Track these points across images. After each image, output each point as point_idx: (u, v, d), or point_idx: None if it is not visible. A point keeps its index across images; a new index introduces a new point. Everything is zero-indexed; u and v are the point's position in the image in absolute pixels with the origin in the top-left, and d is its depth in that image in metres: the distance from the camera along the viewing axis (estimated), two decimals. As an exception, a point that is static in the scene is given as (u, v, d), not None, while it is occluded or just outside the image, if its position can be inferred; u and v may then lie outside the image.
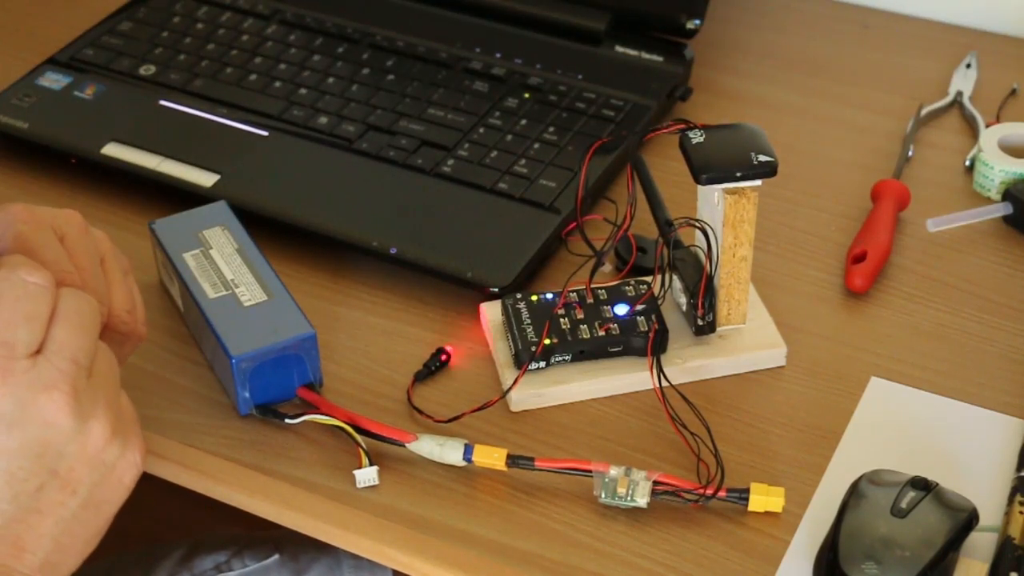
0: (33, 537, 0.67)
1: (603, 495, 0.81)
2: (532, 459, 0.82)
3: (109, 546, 0.75)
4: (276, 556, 1.03)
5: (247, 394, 0.85)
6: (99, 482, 0.69)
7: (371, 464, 0.83)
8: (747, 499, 0.81)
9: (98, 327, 0.71)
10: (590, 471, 0.81)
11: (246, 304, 0.87)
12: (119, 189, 1.03)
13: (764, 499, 0.81)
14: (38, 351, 0.68)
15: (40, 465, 0.67)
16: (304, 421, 0.85)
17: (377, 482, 0.83)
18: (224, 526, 1.08)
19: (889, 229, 0.98)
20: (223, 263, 0.90)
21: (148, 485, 0.91)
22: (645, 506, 0.80)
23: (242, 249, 0.91)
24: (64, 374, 0.68)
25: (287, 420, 0.85)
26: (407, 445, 0.83)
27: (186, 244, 0.91)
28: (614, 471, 0.81)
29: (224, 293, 0.87)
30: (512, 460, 0.82)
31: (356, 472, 0.83)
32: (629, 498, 0.80)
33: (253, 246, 0.91)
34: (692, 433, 0.84)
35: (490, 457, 0.82)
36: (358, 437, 0.83)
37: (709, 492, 0.80)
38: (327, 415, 0.84)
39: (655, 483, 0.80)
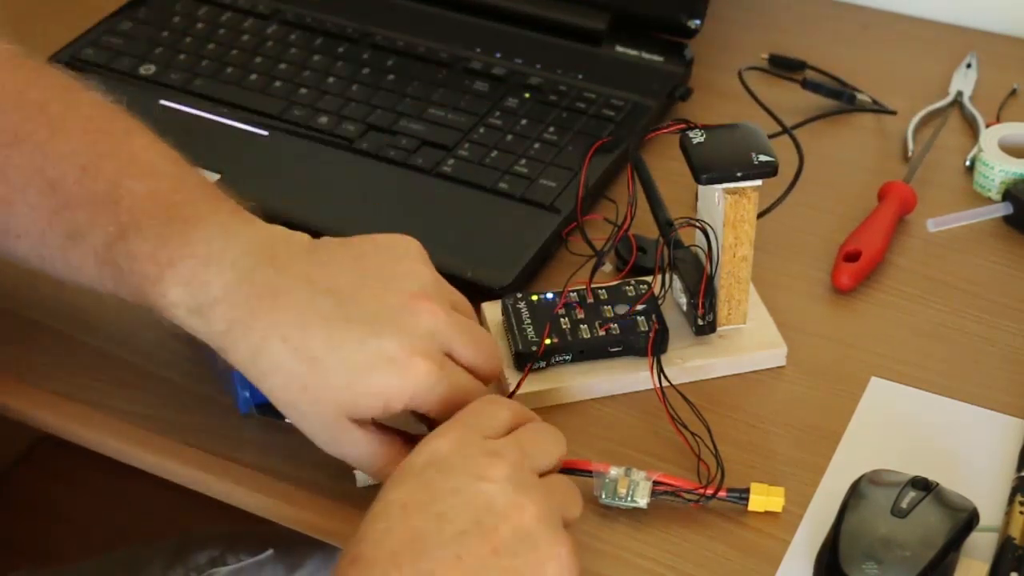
0: None
1: (603, 495, 0.81)
2: None
3: (103, 543, 0.75)
4: (270, 551, 1.03)
5: (247, 393, 0.85)
6: (520, 553, 0.68)
7: None
8: (747, 499, 0.81)
9: (557, 454, 0.75)
10: (590, 471, 0.81)
11: None
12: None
13: (764, 499, 0.81)
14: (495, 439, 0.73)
15: (467, 510, 0.69)
16: None
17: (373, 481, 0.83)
18: (214, 521, 1.08)
19: (886, 229, 0.98)
20: None
21: (138, 482, 0.91)
22: (645, 506, 0.80)
23: None
24: (509, 453, 0.71)
25: (287, 420, 0.85)
26: None
27: None
28: (614, 471, 0.81)
29: None
30: None
31: (356, 472, 0.83)
32: (629, 498, 0.80)
33: None
34: (692, 433, 0.84)
35: None
36: None
37: (709, 492, 0.80)
38: None
39: (655, 483, 0.80)
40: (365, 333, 0.75)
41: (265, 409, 0.85)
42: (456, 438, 0.71)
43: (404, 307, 0.76)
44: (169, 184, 0.81)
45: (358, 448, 0.77)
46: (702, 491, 0.80)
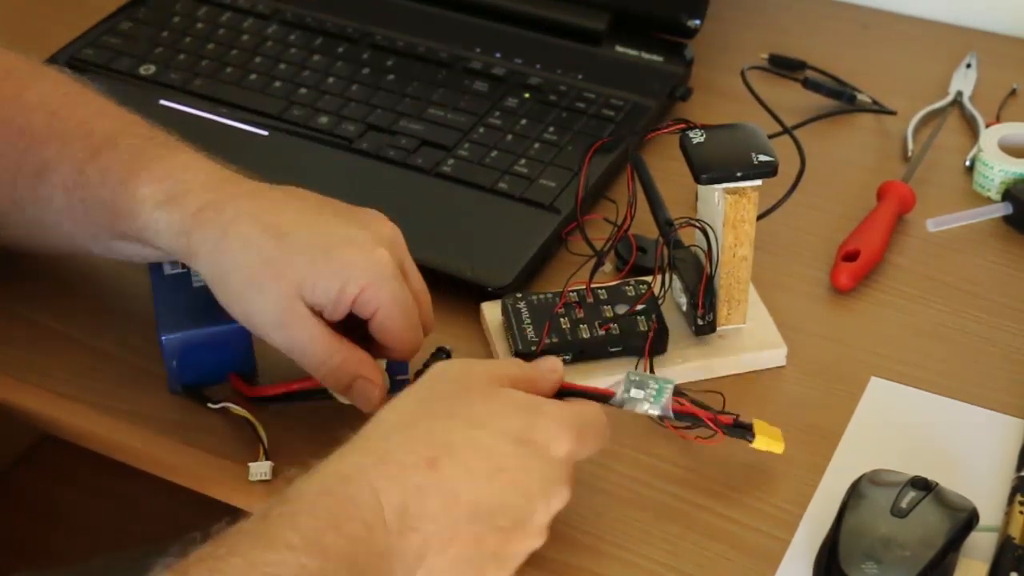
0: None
1: (626, 389, 0.79)
2: None
3: (104, 544, 0.76)
4: None
5: (176, 373, 0.86)
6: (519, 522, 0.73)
7: (267, 459, 0.83)
8: (753, 435, 0.80)
9: (594, 447, 0.77)
10: (612, 391, 0.79)
11: (195, 286, 0.87)
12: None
13: (767, 439, 0.80)
14: None
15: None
16: (225, 407, 0.86)
17: (269, 477, 0.83)
18: (216, 523, 1.08)
19: (885, 229, 0.98)
20: None
21: (140, 482, 0.91)
22: (657, 414, 0.79)
23: None
24: (570, 425, 0.74)
25: (209, 404, 0.86)
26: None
27: None
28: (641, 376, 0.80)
29: (179, 271, 0.88)
30: None
31: (251, 464, 0.83)
32: (649, 399, 0.79)
33: None
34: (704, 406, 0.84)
35: None
36: (262, 432, 0.84)
37: (723, 420, 0.79)
38: (240, 406, 0.85)
39: (676, 401, 0.79)
40: (334, 222, 0.79)
41: (192, 390, 0.87)
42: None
43: (370, 217, 0.82)
44: (143, 128, 0.85)
45: (309, 333, 0.78)
46: (714, 418, 0.79)
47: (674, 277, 0.91)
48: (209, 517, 1.00)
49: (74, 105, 0.86)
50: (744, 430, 0.81)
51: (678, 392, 0.79)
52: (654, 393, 0.79)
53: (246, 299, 0.79)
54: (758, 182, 0.85)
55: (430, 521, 0.70)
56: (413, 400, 0.74)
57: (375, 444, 0.72)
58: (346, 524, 0.68)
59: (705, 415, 0.79)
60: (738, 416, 0.81)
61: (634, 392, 0.79)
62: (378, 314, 0.79)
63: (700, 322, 0.88)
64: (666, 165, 0.98)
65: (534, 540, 0.74)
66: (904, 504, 0.77)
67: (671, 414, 0.79)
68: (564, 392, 0.79)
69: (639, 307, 0.89)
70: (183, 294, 0.87)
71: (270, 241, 0.78)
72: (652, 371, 0.86)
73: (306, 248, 0.78)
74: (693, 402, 0.80)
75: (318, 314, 0.79)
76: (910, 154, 1.06)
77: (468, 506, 0.71)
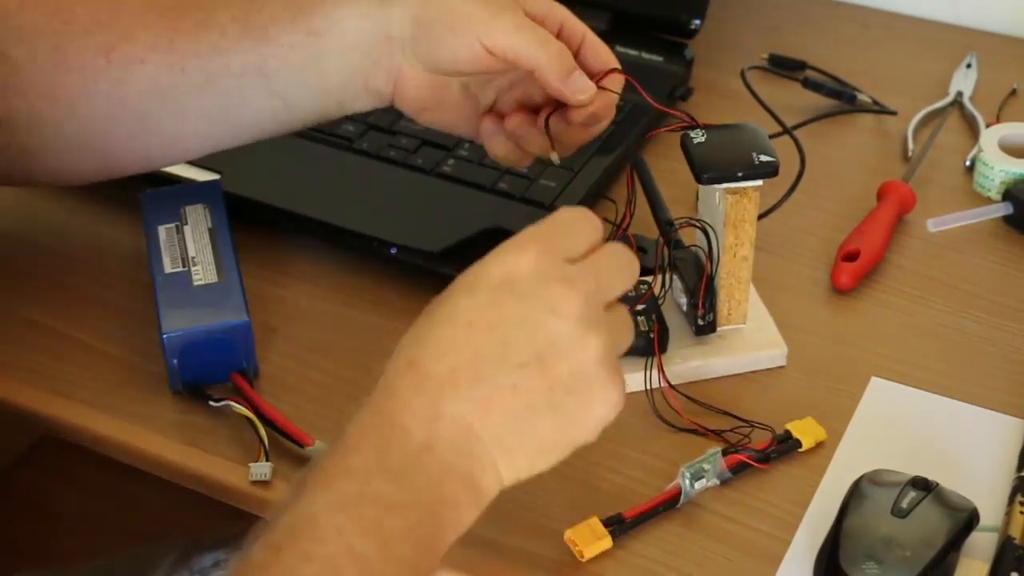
0: (500, 407, 0.68)
1: (689, 485, 0.81)
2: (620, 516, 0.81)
3: (105, 545, 0.76)
4: None
5: (177, 371, 0.86)
6: (575, 392, 0.69)
7: (267, 460, 0.83)
8: (799, 442, 0.84)
9: (629, 284, 0.73)
10: (676, 495, 0.81)
11: (195, 283, 0.88)
12: (121, 190, 1.03)
13: (811, 436, 0.84)
14: (574, 261, 0.71)
15: (532, 343, 0.68)
16: (226, 405, 0.85)
17: (269, 478, 0.83)
18: (217, 523, 1.08)
19: (885, 229, 0.98)
20: (191, 240, 0.91)
21: (140, 482, 0.91)
22: (719, 483, 0.82)
23: (214, 229, 0.91)
24: (585, 283, 0.70)
25: (211, 402, 0.86)
26: (305, 449, 0.83)
27: (165, 217, 0.92)
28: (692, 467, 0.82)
29: (180, 269, 0.89)
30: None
31: (251, 465, 0.83)
32: (709, 478, 0.82)
33: (226, 228, 0.92)
34: (705, 429, 0.85)
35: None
36: (263, 432, 0.84)
37: (764, 448, 0.83)
38: (242, 404, 0.85)
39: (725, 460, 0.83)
40: None
41: (193, 388, 0.87)
42: (535, 257, 0.70)
43: None
44: None
45: (532, 24, 0.85)
46: (762, 455, 0.83)
47: (674, 277, 0.91)
48: (209, 517, 1.01)
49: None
50: (789, 444, 0.83)
51: (724, 452, 0.82)
52: (709, 469, 0.81)
53: (470, 20, 0.83)
54: (759, 182, 0.85)
55: (455, 399, 0.67)
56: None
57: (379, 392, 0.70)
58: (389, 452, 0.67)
59: (752, 459, 0.82)
60: (774, 431, 0.84)
61: (697, 485, 0.81)
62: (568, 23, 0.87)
63: (700, 322, 0.88)
64: (666, 165, 0.98)
65: (590, 370, 0.69)
66: (904, 504, 0.77)
67: (729, 474, 0.82)
68: (635, 520, 0.80)
69: (639, 307, 0.89)
70: (184, 292, 0.87)
71: None
72: (662, 370, 0.86)
73: None
74: (737, 451, 0.83)
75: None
76: (910, 154, 1.06)
77: (483, 360, 0.68)
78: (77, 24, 0.87)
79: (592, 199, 0.99)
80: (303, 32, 0.86)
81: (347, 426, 0.68)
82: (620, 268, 0.73)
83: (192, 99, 0.87)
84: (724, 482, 0.82)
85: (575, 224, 0.72)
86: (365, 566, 0.64)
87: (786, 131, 0.99)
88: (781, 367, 0.90)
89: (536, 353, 0.68)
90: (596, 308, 0.70)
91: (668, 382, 0.86)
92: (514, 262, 0.70)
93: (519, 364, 0.68)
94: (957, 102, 1.11)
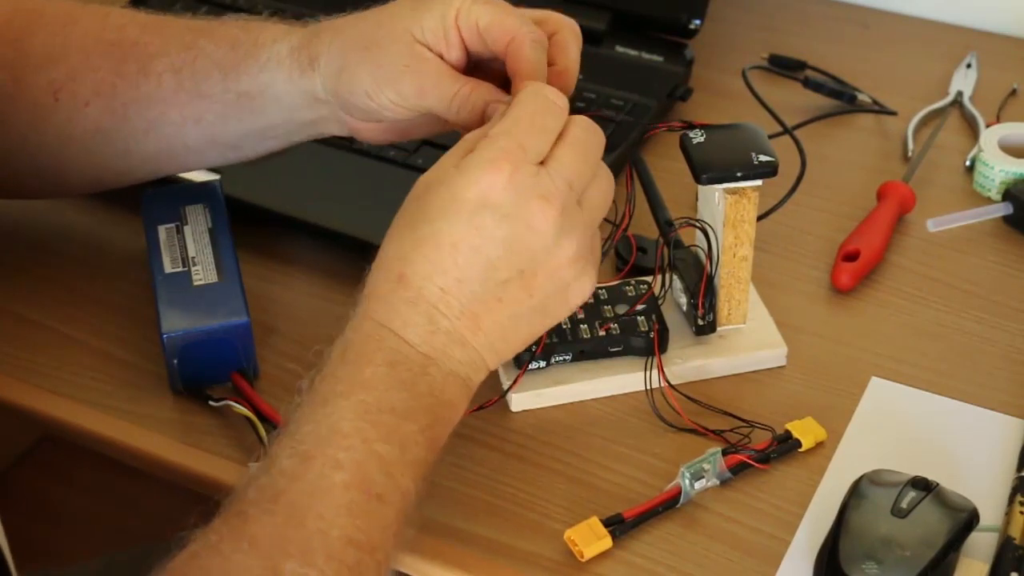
0: (489, 320, 0.75)
1: (689, 485, 0.81)
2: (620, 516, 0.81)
3: (104, 544, 0.76)
4: None
5: (177, 371, 0.86)
6: (552, 294, 0.76)
7: None
8: (799, 442, 0.84)
9: (598, 158, 0.77)
10: (676, 494, 0.81)
11: (196, 283, 0.88)
12: (121, 190, 1.03)
13: (811, 436, 0.84)
14: (543, 162, 0.75)
15: (513, 260, 0.74)
16: (226, 405, 0.86)
17: None
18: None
19: (885, 229, 0.98)
20: (191, 240, 0.91)
21: (140, 482, 0.91)
22: (719, 483, 0.82)
23: (214, 230, 0.91)
24: (559, 191, 0.74)
25: (211, 402, 0.86)
26: None
27: (166, 217, 0.93)
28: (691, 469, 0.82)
29: (180, 270, 0.89)
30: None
31: (251, 464, 0.82)
32: (709, 478, 0.82)
33: (226, 228, 0.92)
34: (704, 429, 0.84)
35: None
36: (263, 432, 0.84)
37: (764, 448, 0.83)
38: (242, 404, 0.85)
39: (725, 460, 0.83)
40: None
41: (193, 388, 0.87)
42: (509, 176, 0.73)
43: None
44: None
45: (434, 68, 0.81)
46: (762, 455, 0.83)
47: (674, 277, 0.91)
48: (209, 517, 1.01)
49: (160, 18, 0.90)
50: (789, 444, 0.83)
51: (724, 452, 0.82)
52: (709, 469, 0.81)
53: (370, 61, 0.81)
54: (758, 182, 0.85)
55: (448, 317, 0.74)
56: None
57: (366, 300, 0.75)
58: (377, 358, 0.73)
59: (752, 459, 0.82)
60: (774, 431, 0.84)
61: (697, 485, 0.81)
62: (484, 24, 0.81)
63: (700, 322, 0.88)
64: (666, 165, 0.98)
65: (566, 272, 0.75)
66: (904, 504, 0.77)
67: (729, 474, 0.82)
68: (635, 520, 0.80)
69: (639, 307, 0.89)
70: (184, 292, 0.87)
71: (375, 15, 0.83)
72: (662, 370, 0.86)
73: (406, 1, 0.83)
74: (737, 451, 0.83)
75: (438, 56, 0.81)
76: (910, 154, 1.06)
77: (470, 281, 0.74)
78: (32, 57, 0.89)
79: (592, 199, 0.99)
80: (234, 93, 0.86)
81: (349, 333, 0.74)
82: (588, 151, 0.76)
83: (137, 143, 0.89)
84: (724, 482, 0.82)
85: (539, 118, 0.75)
86: (389, 469, 0.71)
87: (786, 131, 0.99)
88: (781, 367, 0.90)
89: (518, 269, 0.74)
90: (571, 209, 0.75)
91: (668, 382, 0.86)
92: (490, 185, 0.73)
93: (503, 281, 0.74)
94: (957, 102, 1.11)
